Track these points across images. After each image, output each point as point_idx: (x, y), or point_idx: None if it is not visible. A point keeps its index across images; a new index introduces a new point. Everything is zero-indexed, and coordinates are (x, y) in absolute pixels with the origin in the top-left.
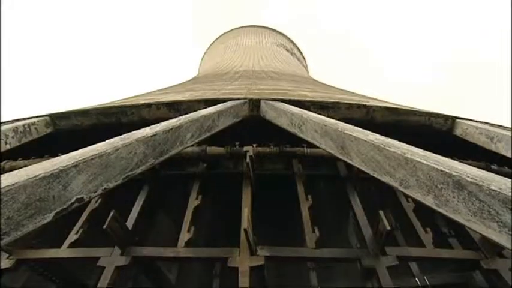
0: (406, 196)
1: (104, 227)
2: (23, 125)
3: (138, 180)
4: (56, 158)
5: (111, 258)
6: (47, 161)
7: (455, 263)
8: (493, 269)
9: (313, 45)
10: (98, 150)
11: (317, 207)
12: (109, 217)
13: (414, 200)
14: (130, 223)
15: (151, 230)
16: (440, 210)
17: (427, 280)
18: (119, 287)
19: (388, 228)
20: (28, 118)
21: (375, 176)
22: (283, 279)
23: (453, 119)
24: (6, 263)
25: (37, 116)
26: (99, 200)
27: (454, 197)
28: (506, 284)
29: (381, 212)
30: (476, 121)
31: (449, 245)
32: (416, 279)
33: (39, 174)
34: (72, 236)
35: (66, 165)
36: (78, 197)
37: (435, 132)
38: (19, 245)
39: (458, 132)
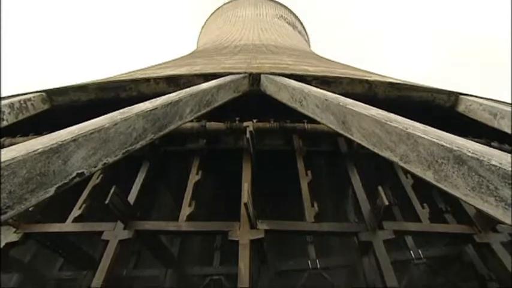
0: (405, 172)
1: (106, 202)
2: (19, 101)
3: (138, 157)
4: (55, 132)
5: (114, 232)
6: (45, 136)
7: (449, 237)
8: (485, 243)
9: (315, 19)
10: (97, 124)
11: (316, 183)
12: (111, 192)
13: (413, 176)
14: (131, 198)
15: (153, 205)
16: (439, 185)
17: (421, 253)
18: (123, 260)
19: (386, 203)
20: (23, 94)
21: (376, 151)
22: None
23: (457, 95)
24: (13, 236)
25: (33, 92)
26: (101, 176)
27: (453, 172)
28: (495, 255)
29: (380, 188)
30: (481, 97)
31: (445, 220)
32: (411, 252)
33: (38, 149)
34: (76, 211)
35: (65, 140)
36: (79, 171)
37: (437, 109)
38: (25, 219)
39: (461, 108)
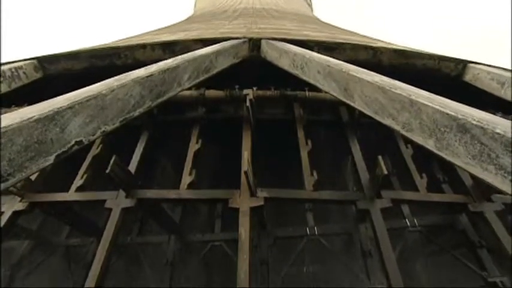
0: (406, 142)
1: (107, 171)
2: (10, 69)
3: (137, 126)
4: (50, 100)
5: (117, 201)
6: (40, 103)
7: (445, 206)
8: (478, 212)
9: None
10: (93, 91)
11: (316, 152)
12: (111, 162)
13: (413, 147)
14: (132, 168)
15: (154, 174)
16: (440, 153)
17: (416, 221)
18: (127, 227)
19: (385, 172)
20: (14, 62)
21: (377, 119)
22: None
23: (465, 63)
24: (20, 205)
25: (23, 60)
26: (100, 146)
27: (455, 141)
28: (488, 223)
29: (380, 157)
30: (490, 65)
31: (442, 190)
32: (407, 220)
33: (34, 116)
34: (78, 181)
35: (61, 107)
36: (77, 139)
37: (443, 78)
38: (29, 189)
39: (468, 77)
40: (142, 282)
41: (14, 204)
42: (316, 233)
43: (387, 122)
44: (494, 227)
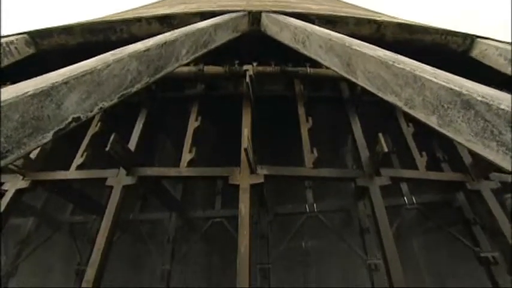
0: (407, 121)
1: (107, 149)
2: (1, 44)
3: (136, 104)
4: (45, 75)
5: (118, 179)
6: (35, 78)
7: (443, 185)
8: (475, 190)
9: None
10: (88, 66)
11: (317, 129)
12: (111, 139)
13: (414, 125)
14: (132, 146)
15: (154, 152)
16: (442, 130)
17: (414, 199)
18: (129, 205)
19: (385, 150)
20: (4, 36)
21: (380, 95)
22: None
23: (473, 38)
24: (23, 183)
25: (14, 34)
26: (99, 124)
27: (458, 117)
28: (483, 201)
29: (380, 135)
30: (498, 41)
31: (441, 168)
32: (405, 198)
33: (29, 92)
34: (78, 160)
35: (56, 82)
36: (75, 116)
37: (449, 54)
38: (31, 168)
39: (475, 53)
40: (145, 257)
41: (16, 183)
42: (315, 210)
43: (390, 98)
44: (489, 205)
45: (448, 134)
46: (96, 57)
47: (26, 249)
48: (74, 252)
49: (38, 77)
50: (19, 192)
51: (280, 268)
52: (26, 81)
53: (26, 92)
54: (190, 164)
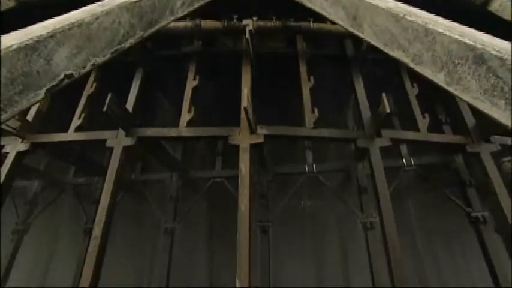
0: (412, 81)
1: (104, 109)
2: None
3: (132, 63)
4: (26, 28)
5: (117, 140)
6: (15, 32)
7: (443, 147)
8: (475, 152)
9: None
10: (74, 19)
11: (318, 89)
12: (107, 100)
13: (419, 85)
14: (129, 106)
15: (153, 113)
16: (449, 88)
17: (412, 161)
18: (130, 165)
19: (388, 111)
20: None
21: (386, 51)
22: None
23: None
24: (22, 146)
25: None
26: (95, 84)
27: (468, 74)
28: (481, 163)
29: (384, 95)
30: None
31: (442, 131)
32: (404, 159)
33: (13, 45)
34: (76, 121)
35: (41, 36)
36: (67, 72)
37: (466, 6)
38: (28, 130)
39: (494, 6)
40: (148, 216)
41: (16, 145)
42: (315, 170)
43: (396, 54)
44: (487, 167)
45: (454, 92)
46: (82, 9)
47: (35, 210)
48: (80, 212)
49: (19, 31)
50: (20, 154)
51: (279, 226)
52: (6, 35)
53: (10, 46)
54: (190, 124)
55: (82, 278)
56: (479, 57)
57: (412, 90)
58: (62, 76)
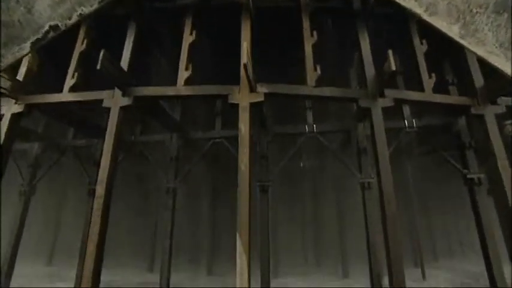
0: (420, 37)
1: (98, 67)
2: None
3: (123, 17)
4: None
5: (114, 100)
6: None
7: (447, 108)
8: (479, 114)
9: None
10: None
11: (322, 45)
12: (100, 57)
13: (428, 43)
14: (124, 64)
15: (149, 71)
16: (462, 41)
17: (414, 122)
18: (129, 126)
19: (393, 69)
20: None
21: (398, 0)
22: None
23: None
24: (17, 107)
25: None
26: (86, 41)
27: (486, 25)
28: (484, 125)
29: (390, 52)
30: None
31: (448, 91)
32: (405, 121)
33: None
34: (70, 81)
35: None
36: (52, 24)
37: None
38: (21, 91)
39: None
40: (150, 176)
41: (11, 107)
42: (315, 130)
43: (408, 4)
44: (489, 129)
45: (468, 45)
46: None
47: (39, 172)
48: (83, 174)
49: None
50: (15, 116)
51: (279, 185)
52: None
53: None
54: (188, 82)
55: (89, 236)
56: (501, 5)
57: (421, 48)
58: (46, 27)
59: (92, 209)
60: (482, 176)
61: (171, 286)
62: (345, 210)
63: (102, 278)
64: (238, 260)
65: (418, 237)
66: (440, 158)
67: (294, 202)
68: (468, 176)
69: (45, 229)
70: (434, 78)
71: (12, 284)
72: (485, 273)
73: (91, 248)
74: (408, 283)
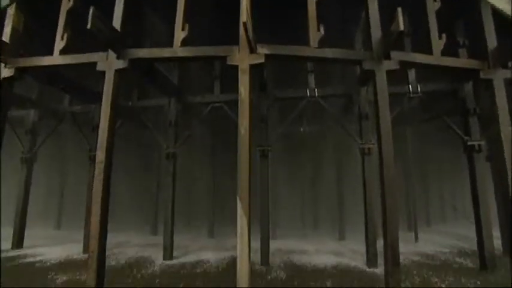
0: None
1: (88, 26)
2: None
3: None
4: None
5: (108, 62)
6: None
7: (454, 72)
8: (488, 79)
9: None
10: None
11: (326, 4)
12: (90, 15)
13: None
14: (117, 23)
15: (144, 32)
16: None
17: (419, 87)
18: (126, 91)
19: (401, 29)
20: None
21: None
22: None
23: None
24: (7, 71)
25: None
26: None
27: None
28: (492, 90)
29: (399, 10)
30: None
31: (457, 54)
32: (410, 86)
33: None
34: (60, 43)
35: None
36: None
37: None
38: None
39: None
40: (150, 141)
41: (1, 71)
42: (316, 94)
43: None
44: (496, 94)
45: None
46: None
47: (38, 139)
48: (83, 141)
49: None
50: (7, 81)
51: (278, 150)
52: None
53: None
54: (184, 43)
55: (93, 199)
56: None
57: (433, 5)
58: None
59: (93, 174)
60: (482, 143)
61: (174, 246)
62: (343, 175)
63: (108, 240)
64: (238, 222)
65: (414, 202)
66: (441, 125)
67: (294, 167)
68: (469, 143)
69: (51, 195)
70: (444, 39)
71: (25, 243)
72: (475, 237)
73: (95, 210)
74: (400, 245)
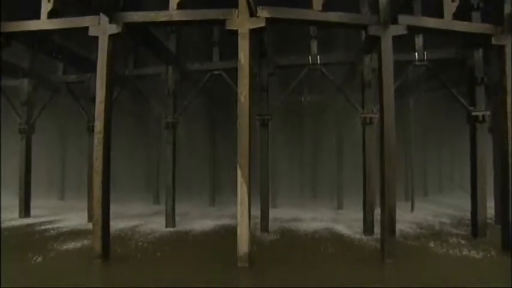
0: None
1: None
2: None
3: None
4: None
5: (101, 27)
6: None
7: (466, 38)
8: (500, 45)
9: None
10: None
11: None
12: None
13: None
14: None
15: None
16: None
17: (425, 55)
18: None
19: None
20: None
21: None
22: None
23: None
24: None
25: None
26: None
27: None
28: (503, 58)
29: None
30: None
31: (470, 18)
32: (416, 53)
33: None
34: (47, 5)
35: None
36: None
37: None
38: None
39: None
40: (149, 111)
41: None
42: (319, 62)
43: None
44: (507, 62)
45: None
46: None
47: (35, 110)
48: (81, 111)
49: None
50: None
51: (279, 119)
52: None
53: None
54: (181, 6)
55: (94, 169)
56: None
57: None
58: None
59: (93, 144)
60: (487, 113)
61: (176, 215)
62: (343, 145)
63: (112, 209)
64: (239, 190)
65: (412, 172)
66: (444, 94)
67: (294, 136)
68: (473, 113)
69: (53, 166)
70: (457, 1)
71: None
72: (469, 207)
73: (97, 180)
74: (396, 213)
